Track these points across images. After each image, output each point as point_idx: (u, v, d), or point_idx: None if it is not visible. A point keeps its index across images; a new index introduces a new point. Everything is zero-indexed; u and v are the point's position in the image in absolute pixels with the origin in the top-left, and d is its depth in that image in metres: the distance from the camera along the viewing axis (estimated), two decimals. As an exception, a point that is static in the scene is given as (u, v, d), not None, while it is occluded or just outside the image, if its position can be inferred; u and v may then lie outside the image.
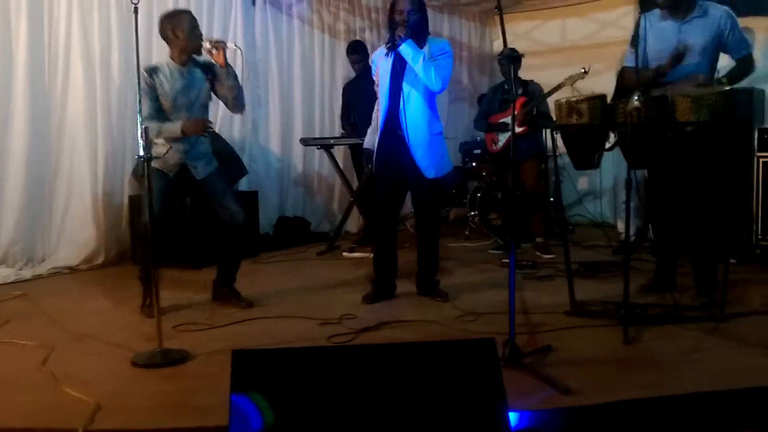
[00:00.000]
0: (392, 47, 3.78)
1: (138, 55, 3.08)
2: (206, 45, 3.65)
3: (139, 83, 3.15)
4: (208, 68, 3.79)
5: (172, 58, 3.70)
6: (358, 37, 7.01)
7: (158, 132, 3.62)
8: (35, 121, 4.87)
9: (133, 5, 2.96)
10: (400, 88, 3.81)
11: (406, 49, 3.69)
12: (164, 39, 3.69)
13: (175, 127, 3.61)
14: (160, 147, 3.66)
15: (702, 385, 2.51)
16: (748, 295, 3.93)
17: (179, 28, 3.63)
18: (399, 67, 3.81)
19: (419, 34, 3.76)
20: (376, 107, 4.07)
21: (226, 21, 6.15)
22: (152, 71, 3.62)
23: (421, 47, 3.74)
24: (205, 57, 3.76)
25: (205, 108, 3.82)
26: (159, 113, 3.65)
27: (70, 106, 5.09)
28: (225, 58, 3.66)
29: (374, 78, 4.04)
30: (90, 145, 5.14)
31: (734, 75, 3.66)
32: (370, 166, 4.13)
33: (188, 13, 3.77)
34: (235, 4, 6.21)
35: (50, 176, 5.06)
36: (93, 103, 5.13)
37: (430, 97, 3.86)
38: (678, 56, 3.56)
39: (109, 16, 5.22)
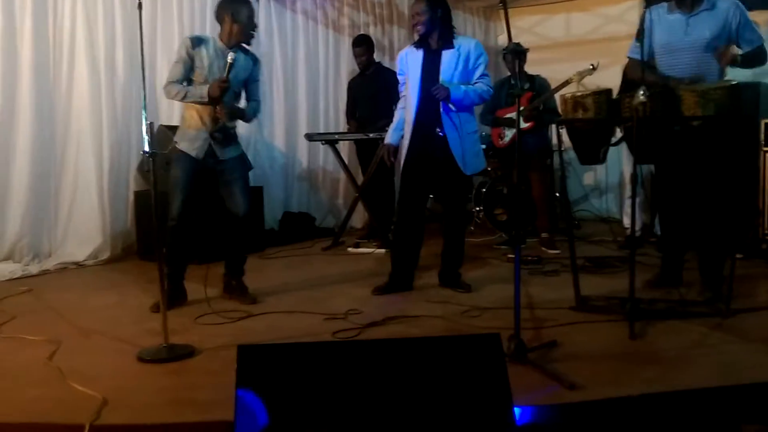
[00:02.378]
0: (423, 45, 3.93)
1: (142, 52, 3.08)
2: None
3: (144, 78, 3.13)
4: (255, 59, 3.85)
5: (220, 38, 3.73)
6: (362, 32, 6.99)
7: (185, 95, 3.62)
8: (40, 117, 4.88)
9: (138, 1, 2.96)
10: (428, 87, 3.85)
11: (451, 98, 3.80)
12: (218, 20, 3.73)
13: (201, 90, 3.59)
14: (186, 129, 3.69)
15: (707, 381, 2.51)
16: (754, 290, 3.92)
17: (238, 15, 3.67)
18: (431, 66, 3.87)
19: (441, 34, 3.90)
20: (400, 103, 4.12)
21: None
22: (197, 43, 3.65)
23: (449, 47, 3.87)
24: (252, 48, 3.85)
25: (239, 96, 3.85)
26: (188, 83, 3.67)
27: (75, 102, 5.09)
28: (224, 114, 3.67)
29: (399, 78, 4.12)
30: (95, 141, 5.15)
31: (749, 57, 3.59)
32: (393, 160, 4.16)
33: (249, 4, 3.79)
34: (239, 0, 6.20)
35: (56, 172, 5.07)
36: (98, 99, 5.13)
37: None
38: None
39: (114, 12, 5.22)
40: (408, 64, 3.98)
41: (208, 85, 3.59)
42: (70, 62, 5.05)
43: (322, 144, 6.51)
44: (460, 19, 8.25)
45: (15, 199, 4.81)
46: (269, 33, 6.53)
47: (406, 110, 3.98)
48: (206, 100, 3.59)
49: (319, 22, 6.99)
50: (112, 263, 5.17)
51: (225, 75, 3.56)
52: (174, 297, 3.69)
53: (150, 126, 3.00)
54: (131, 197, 5.43)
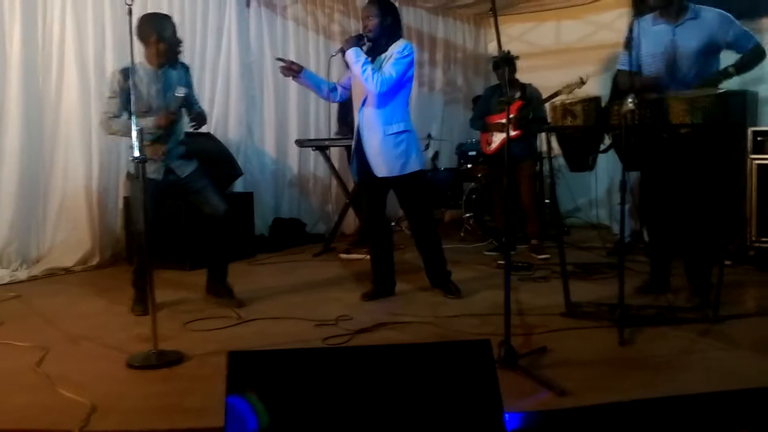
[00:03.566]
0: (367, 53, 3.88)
1: (132, 56, 3.08)
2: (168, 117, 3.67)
3: (134, 82, 3.14)
4: (186, 68, 3.84)
5: (146, 60, 3.69)
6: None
7: (128, 131, 3.58)
8: (29, 122, 4.86)
9: (128, 6, 2.95)
10: (359, 93, 3.91)
11: (348, 56, 3.80)
12: (141, 41, 3.65)
13: (146, 121, 3.57)
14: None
15: (696, 387, 2.52)
16: (742, 296, 3.95)
17: (164, 34, 3.64)
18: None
19: (386, 38, 3.85)
20: (342, 81, 4.16)
21: (220, 22, 6.15)
22: (127, 75, 3.50)
23: (386, 50, 3.83)
24: (181, 58, 3.83)
25: (181, 109, 3.81)
26: (128, 114, 3.61)
27: (64, 107, 5.08)
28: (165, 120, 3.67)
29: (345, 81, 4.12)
30: (84, 147, 5.13)
31: (743, 63, 3.62)
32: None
33: (170, 18, 3.78)
34: (229, 6, 6.20)
35: (45, 177, 5.05)
36: (87, 104, 5.12)
37: (384, 99, 3.84)
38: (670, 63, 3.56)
39: (103, 17, 5.21)
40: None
41: (153, 118, 3.59)
42: (60, 67, 5.04)
43: (313, 150, 6.51)
44: (450, 26, 8.30)
45: (3, 204, 4.78)
46: (260, 39, 6.53)
47: (354, 115, 4.00)
48: (154, 128, 3.60)
49: (309, 29, 7.00)
50: (101, 269, 5.14)
51: (173, 108, 3.66)
52: (146, 302, 3.70)
53: (140, 132, 3.00)
54: (120, 203, 5.41)
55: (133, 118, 3.05)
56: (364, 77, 3.75)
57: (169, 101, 3.70)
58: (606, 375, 2.68)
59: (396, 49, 3.82)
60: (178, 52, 3.76)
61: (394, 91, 3.83)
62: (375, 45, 3.88)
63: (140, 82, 3.61)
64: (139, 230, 3.61)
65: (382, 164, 3.89)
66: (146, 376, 2.75)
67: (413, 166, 3.94)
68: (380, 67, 3.79)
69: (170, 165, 3.75)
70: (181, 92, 3.68)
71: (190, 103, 3.84)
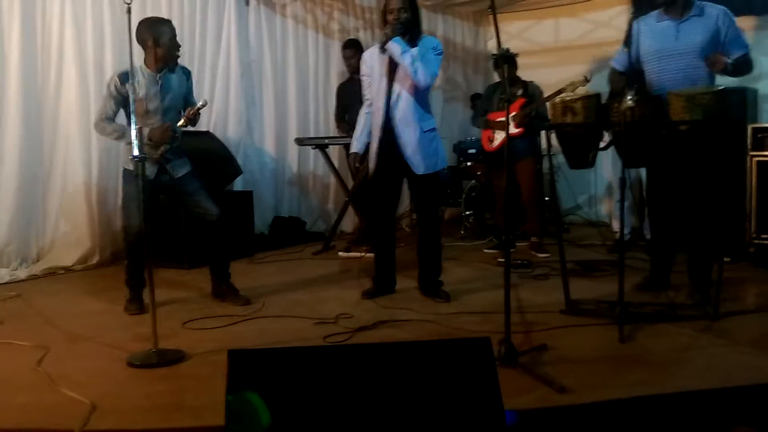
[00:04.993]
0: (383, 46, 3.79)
1: (131, 56, 3.08)
2: (188, 114, 3.67)
3: (133, 82, 3.13)
4: (187, 72, 3.84)
5: (146, 64, 3.69)
6: (351, 37, 7.00)
7: (122, 135, 3.63)
8: (29, 121, 4.86)
9: (126, 5, 2.95)
10: (391, 87, 3.81)
11: (392, 46, 3.70)
12: (140, 44, 3.66)
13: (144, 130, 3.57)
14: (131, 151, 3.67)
15: (696, 383, 2.52)
16: (742, 293, 3.96)
17: (161, 39, 3.64)
18: (391, 67, 3.80)
19: (411, 32, 3.77)
20: (363, 109, 4.07)
21: (219, 21, 6.14)
22: (125, 79, 3.50)
23: (414, 45, 3.74)
24: (180, 62, 3.83)
25: (179, 114, 3.81)
26: (129, 118, 3.61)
27: (63, 106, 5.07)
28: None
29: (362, 78, 4.05)
30: (84, 146, 5.12)
31: (737, 64, 3.58)
32: (358, 166, 4.16)
33: (169, 23, 3.77)
34: (228, 4, 6.19)
35: (44, 176, 5.04)
36: (86, 103, 5.11)
37: (420, 94, 3.83)
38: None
39: (102, 16, 5.20)
40: (372, 66, 3.91)
41: (147, 129, 3.59)
42: (59, 66, 5.03)
43: (312, 148, 6.51)
44: (449, 23, 8.29)
45: (3, 204, 4.78)
46: (259, 38, 6.53)
47: (374, 115, 3.93)
48: (149, 142, 3.60)
49: (308, 27, 6.99)
50: (101, 268, 5.13)
51: (171, 114, 3.69)
52: (141, 302, 3.76)
53: (139, 131, 3.00)
54: (120, 202, 5.40)
55: (133, 117, 3.05)
56: (413, 69, 3.67)
57: (167, 105, 3.71)
58: (606, 372, 2.69)
59: (431, 45, 3.78)
60: (177, 57, 3.76)
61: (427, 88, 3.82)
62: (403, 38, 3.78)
63: (139, 85, 3.61)
64: (132, 229, 3.62)
65: (420, 162, 3.84)
66: (146, 375, 2.75)
67: (441, 164, 3.98)
68: None
69: (165, 165, 3.75)
70: (200, 102, 3.70)
71: (191, 104, 3.83)
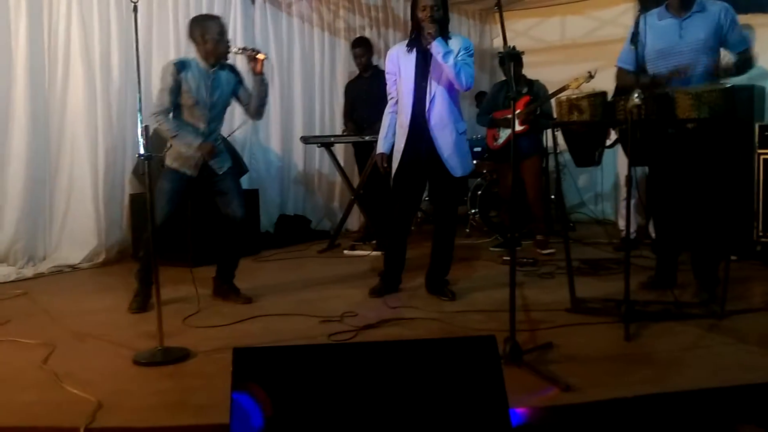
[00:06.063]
0: (417, 45, 3.75)
1: (138, 55, 3.07)
2: (235, 50, 3.73)
3: (139, 81, 3.12)
4: (235, 72, 3.86)
5: (199, 58, 3.73)
6: (357, 35, 7.00)
7: (175, 134, 3.65)
8: (35, 120, 4.87)
9: (133, 4, 2.96)
10: (425, 88, 3.76)
11: (437, 47, 3.62)
12: (192, 41, 3.73)
13: (193, 141, 3.66)
14: (178, 151, 3.71)
15: (702, 382, 2.52)
16: (749, 291, 3.94)
17: (207, 35, 3.67)
18: (423, 66, 3.77)
19: (443, 30, 3.71)
20: (388, 108, 4.00)
21: (225, 19, 6.12)
22: (182, 68, 3.63)
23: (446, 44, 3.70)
24: (231, 60, 3.85)
25: (225, 110, 3.88)
26: (177, 109, 3.69)
27: (70, 105, 5.09)
28: (262, 66, 3.72)
29: (387, 75, 3.98)
30: (90, 144, 5.14)
31: (740, 63, 3.59)
32: (386, 166, 4.01)
33: (218, 19, 3.79)
34: (234, 3, 6.20)
35: (51, 175, 5.06)
36: (93, 102, 5.13)
37: (455, 96, 3.82)
38: (677, 73, 3.52)
39: (109, 15, 5.22)
40: (399, 64, 3.85)
41: (199, 140, 3.66)
42: (65, 65, 5.05)
43: (318, 147, 6.52)
44: (455, 21, 8.27)
45: (10, 203, 4.80)
46: (265, 36, 6.53)
47: (400, 113, 3.87)
48: (191, 152, 3.68)
49: (314, 25, 6.99)
50: (108, 266, 5.16)
51: (218, 108, 3.76)
52: (148, 299, 3.76)
53: (145, 129, 3.01)
54: (126, 200, 5.43)
55: (139, 116, 3.05)
56: (455, 71, 3.61)
57: (214, 101, 3.74)
58: (611, 371, 2.68)
59: (462, 45, 3.72)
60: (227, 52, 3.75)
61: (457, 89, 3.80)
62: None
63: (191, 77, 3.65)
64: (156, 225, 3.63)
65: (458, 164, 3.81)
66: (152, 373, 2.76)
67: (471, 166, 3.99)
68: None
69: (208, 161, 3.77)
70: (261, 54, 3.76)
71: (242, 98, 3.88)
